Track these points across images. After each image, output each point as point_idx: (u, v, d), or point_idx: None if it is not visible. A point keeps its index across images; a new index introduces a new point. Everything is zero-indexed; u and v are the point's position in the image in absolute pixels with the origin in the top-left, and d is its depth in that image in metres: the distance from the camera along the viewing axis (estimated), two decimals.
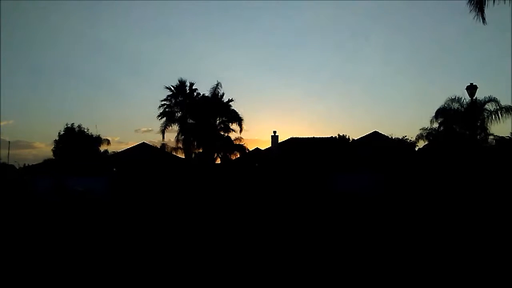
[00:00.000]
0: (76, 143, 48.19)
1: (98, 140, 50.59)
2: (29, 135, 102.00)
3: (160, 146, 48.75)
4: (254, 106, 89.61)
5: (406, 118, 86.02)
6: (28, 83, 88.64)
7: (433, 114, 31.28)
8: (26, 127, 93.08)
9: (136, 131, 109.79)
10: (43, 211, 22.90)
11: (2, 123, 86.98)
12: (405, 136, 36.62)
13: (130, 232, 15.41)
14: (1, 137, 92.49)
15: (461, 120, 30.10)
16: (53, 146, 50.42)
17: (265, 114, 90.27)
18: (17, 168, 55.77)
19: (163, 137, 35.81)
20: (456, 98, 30.19)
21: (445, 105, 30.60)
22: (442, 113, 30.61)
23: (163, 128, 35.35)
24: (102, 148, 51.78)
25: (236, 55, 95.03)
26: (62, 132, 49.93)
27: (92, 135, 50.31)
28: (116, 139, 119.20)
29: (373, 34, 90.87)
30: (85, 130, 50.30)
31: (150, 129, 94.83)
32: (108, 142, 51.68)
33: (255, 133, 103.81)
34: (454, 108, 30.24)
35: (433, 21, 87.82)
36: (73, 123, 49.97)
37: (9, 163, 67.98)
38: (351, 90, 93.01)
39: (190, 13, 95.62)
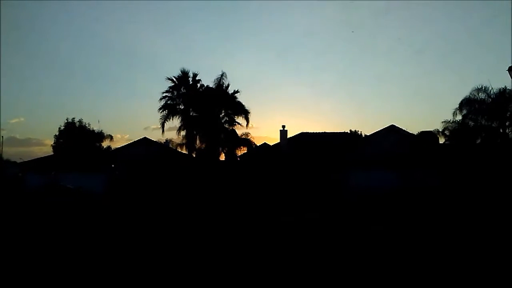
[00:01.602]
0: (77, 138, 46.32)
1: (100, 136, 48.65)
2: (40, 132, 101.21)
3: (164, 142, 47.02)
4: (263, 103, 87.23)
5: (418, 115, 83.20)
6: (41, 81, 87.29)
7: (457, 106, 28.79)
8: (37, 125, 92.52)
9: (145, 128, 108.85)
10: (27, 209, 20.90)
11: (13, 121, 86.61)
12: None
13: (119, 232, 13.80)
14: (12, 135, 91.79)
15: (488, 111, 27.46)
16: (53, 142, 48.83)
17: (275, 112, 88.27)
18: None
19: (163, 131, 33.30)
20: (483, 88, 27.68)
21: (470, 95, 28.04)
22: (467, 104, 27.97)
23: (162, 121, 32.81)
24: (105, 144, 49.87)
25: (245, 53, 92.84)
26: (62, 127, 48.24)
27: (93, 131, 48.41)
28: (126, 136, 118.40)
29: (384, 30, 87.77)
30: (86, 126, 48.47)
31: (159, 126, 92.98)
32: (111, 138, 49.66)
33: (265, 130, 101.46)
34: (481, 98, 27.63)
35: (444, 17, 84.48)
36: (73, 118, 48.14)
37: (13, 160, 66.59)
38: (361, 87, 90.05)
39: (200, 13, 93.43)
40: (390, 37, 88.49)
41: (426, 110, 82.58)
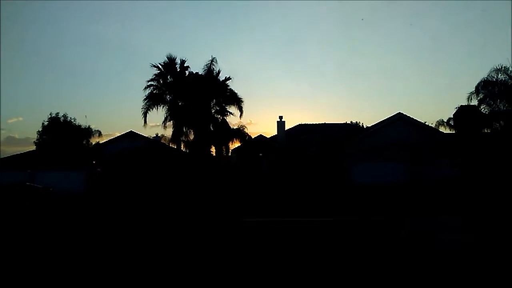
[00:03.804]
0: (61, 134, 43.46)
1: (88, 132, 45.79)
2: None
3: (154, 137, 44.17)
4: (261, 98, 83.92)
5: (421, 108, 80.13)
6: (38, 80, 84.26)
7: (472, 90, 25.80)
8: (35, 124, 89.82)
9: (143, 126, 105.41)
10: None
11: (11, 120, 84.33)
12: (425, 122, 31.42)
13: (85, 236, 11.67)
14: (10, 134, 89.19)
15: (508, 94, 24.47)
16: (35, 138, 45.91)
17: (273, 107, 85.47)
18: None
19: (145, 122, 29.72)
20: (503, 68, 24.65)
21: (488, 77, 25.01)
22: (485, 86, 24.95)
23: (145, 110, 29.41)
24: (94, 140, 47.10)
25: (242, 47, 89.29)
26: (46, 123, 45.33)
27: (80, 126, 45.55)
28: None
29: (383, 20, 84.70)
30: (72, 121, 45.59)
31: (157, 124, 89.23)
32: (100, 133, 46.79)
33: (263, 126, 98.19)
34: (501, 80, 24.64)
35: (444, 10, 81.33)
36: (58, 113, 45.25)
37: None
38: (361, 79, 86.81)
39: (193, 8, 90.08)
40: (390, 29, 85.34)
41: (429, 103, 79.20)
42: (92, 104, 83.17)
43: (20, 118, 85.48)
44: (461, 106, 26.20)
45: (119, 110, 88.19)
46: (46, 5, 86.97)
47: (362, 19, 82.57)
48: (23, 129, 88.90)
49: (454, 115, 27.05)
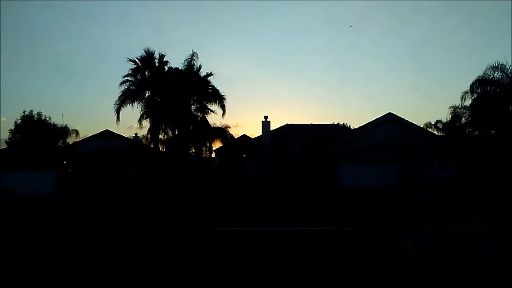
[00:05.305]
0: (35, 133, 41.32)
1: (64, 131, 43.69)
2: None
3: (133, 137, 42.31)
4: (247, 101, 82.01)
5: (408, 112, 79.36)
6: (21, 79, 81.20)
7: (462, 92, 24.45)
8: None
9: (129, 127, 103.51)
10: None
11: None
12: None
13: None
14: None
15: (506, 92, 23.21)
16: (7, 137, 43.62)
17: (260, 110, 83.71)
18: None
19: (118, 118, 27.54)
20: (499, 66, 23.37)
21: (484, 75, 23.70)
22: (480, 85, 23.64)
23: (118, 106, 27.36)
24: (71, 140, 44.98)
25: (227, 48, 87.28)
26: (19, 121, 43.11)
27: (55, 125, 43.42)
28: None
29: (369, 23, 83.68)
30: (47, 119, 43.44)
31: (144, 125, 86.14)
32: (77, 133, 44.72)
33: (249, 129, 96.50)
34: (497, 78, 23.36)
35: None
36: (31, 111, 42.96)
37: None
38: (348, 82, 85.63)
39: (176, 5, 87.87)
40: (379, 30, 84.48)
41: (417, 106, 78.42)
42: (73, 104, 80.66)
43: (3, 118, 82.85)
44: (478, 96, 24.09)
45: (102, 111, 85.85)
46: (24, 4, 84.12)
47: (351, 26, 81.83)
48: (5, 129, 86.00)
49: (473, 101, 24.44)
